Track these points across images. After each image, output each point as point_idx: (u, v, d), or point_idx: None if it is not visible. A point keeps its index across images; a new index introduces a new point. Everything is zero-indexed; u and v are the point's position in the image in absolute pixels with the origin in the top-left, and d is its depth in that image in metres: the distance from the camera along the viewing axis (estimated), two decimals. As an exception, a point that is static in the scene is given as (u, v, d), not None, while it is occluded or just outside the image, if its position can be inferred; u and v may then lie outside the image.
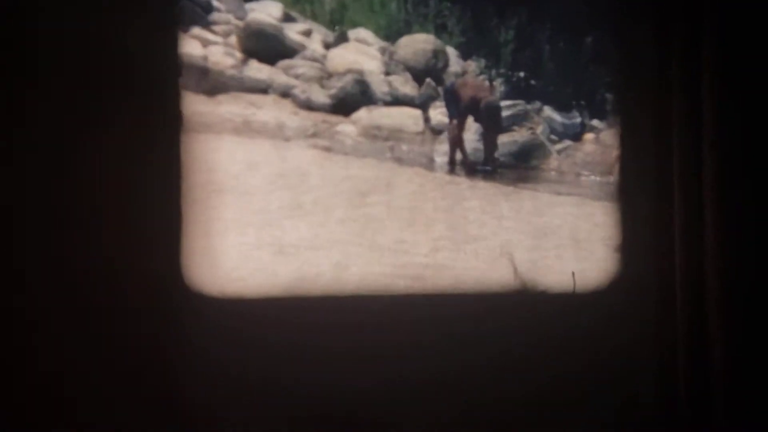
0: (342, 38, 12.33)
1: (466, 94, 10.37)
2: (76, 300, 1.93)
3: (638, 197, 2.12)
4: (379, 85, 11.11)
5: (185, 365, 1.98)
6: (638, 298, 2.12)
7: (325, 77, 11.12)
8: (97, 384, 1.94)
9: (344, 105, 10.70)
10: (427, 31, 12.91)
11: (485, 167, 10.18)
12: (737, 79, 1.99)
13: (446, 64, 11.92)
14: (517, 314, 2.16)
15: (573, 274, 5.91)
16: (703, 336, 2.04)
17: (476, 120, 10.37)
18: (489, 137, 10.32)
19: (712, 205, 1.99)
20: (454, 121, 10.29)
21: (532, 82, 12.13)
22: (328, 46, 12.10)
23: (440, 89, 11.28)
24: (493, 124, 10.33)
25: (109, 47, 1.88)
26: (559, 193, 9.68)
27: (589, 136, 10.85)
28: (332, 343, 2.06)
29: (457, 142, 10.26)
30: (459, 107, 10.32)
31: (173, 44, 1.95)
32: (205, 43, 10.53)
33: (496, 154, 10.36)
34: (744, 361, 2.01)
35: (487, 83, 11.36)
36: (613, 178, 9.91)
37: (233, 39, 11.31)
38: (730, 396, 2.00)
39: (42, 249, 1.91)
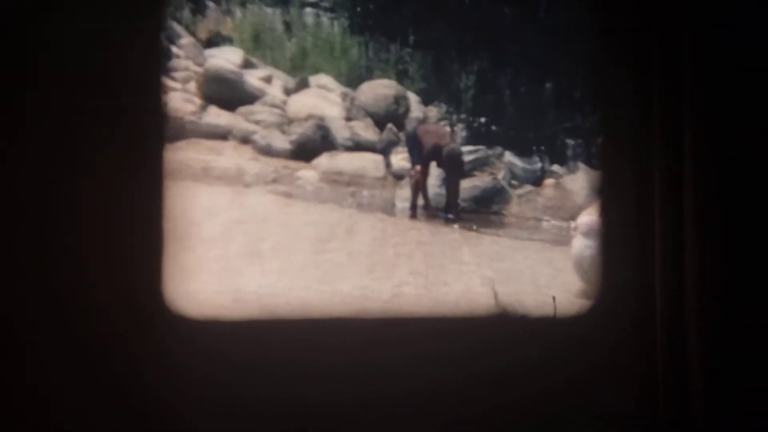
0: (303, 84, 12.36)
1: (428, 140, 10.38)
2: (60, 323, 1.91)
3: (619, 227, 2.12)
4: (340, 131, 11.11)
5: (166, 384, 1.96)
6: (617, 324, 2.11)
7: (285, 123, 11.10)
8: (79, 405, 1.91)
9: (305, 151, 10.67)
10: (388, 76, 12.97)
11: (447, 215, 10.18)
12: (717, 118, 2.01)
13: (407, 110, 11.95)
14: (497, 338, 2.14)
15: (554, 299, 5.91)
16: (681, 362, 2.02)
17: (439, 166, 10.38)
18: (451, 183, 10.33)
19: (692, 234, 1.99)
20: (417, 167, 10.28)
21: (493, 127, 12.19)
22: (288, 91, 12.09)
23: (402, 134, 11.30)
24: (455, 171, 10.34)
25: (93, 83, 1.88)
26: (520, 238, 9.67)
27: (549, 181, 10.90)
28: (309, 362, 2.03)
29: (419, 188, 10.25)
30: (421, 153, 10.32)
31: (157, 89, 1.95)
32: (164, 89, 10.47)
33: (457, 199, 10.37)
34: (722, 385, 2.00)
35: (448, 129, 11.40)
36: (573, 223, 9.95)
37: (192, 85, 11.29)
38: (709, 420, 1.98)
39: (26, 275, 1.89)
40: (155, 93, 1.92)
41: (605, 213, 2.20)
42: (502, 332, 2.23)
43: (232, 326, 2.10)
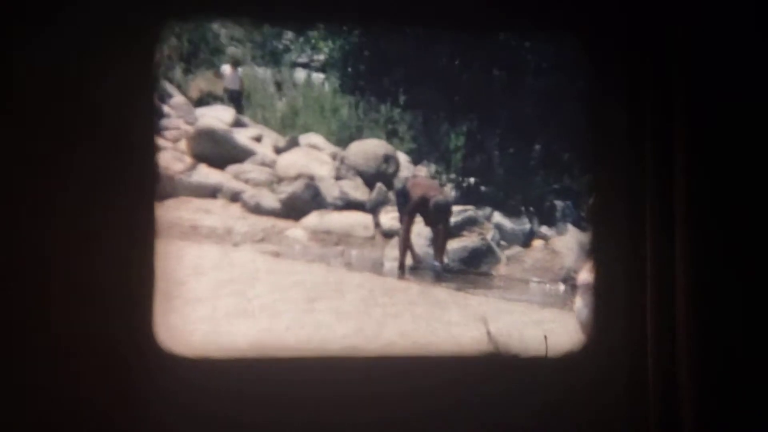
0: (293, 143, 12.41)
1: (416, 192, 10.37)
2: (50, 360, 1.90)
3: (611, 268, 2.13)
4: (329, 190, 11.14)
5: (155, 422, 1.95)
6: (610, 363, 2.10)
7: (275, 182, 11.12)
8: None
9: (294, 209, 10.68)
10: (378, 136, 13.05)
11: (434, 265, 10.14)
12: (710, 184, 2.03)
13: (397, 169, 12.00)
14: (489, 377, 2.13)
15: (545, 338, 5.87)
16: (674, 402, 2.02)
17: (425, 220, 10.35)
18: (438, 233, 10.31)
19: (684, 274, 2.00)
20: (405, 219, 10.28)
21: (483, 187, 12.25)
22: (278, 150, 12.16)
23: (391, 194, 11.33)
24: (441, 220, 10.31)
25: (84, 141, 1.91)
26: (508, 299, 9.65)
27: (538, 242, 10.92)
28: (301, 399, 2.01)
29: (407, 246, 10.23)
30: (409, 206, 10.32)
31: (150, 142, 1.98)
32: (157, 149, 10.52)
33: (446, 259, 10.35)
34: (716, 425, 1.99)
35: (437, 182, 11.43)
36: (562, 287, 9.94)
37: (183, 144, 11.33)
38: None
39: (16, 312, 1.89)
40: (148, 152, 1.93)
41: (597, 269, 2.22)
42: (493, 370, 2.23)
43: (222, 364, 2.09)
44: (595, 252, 2.13)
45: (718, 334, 1.98)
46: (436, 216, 10.26)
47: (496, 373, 2.13)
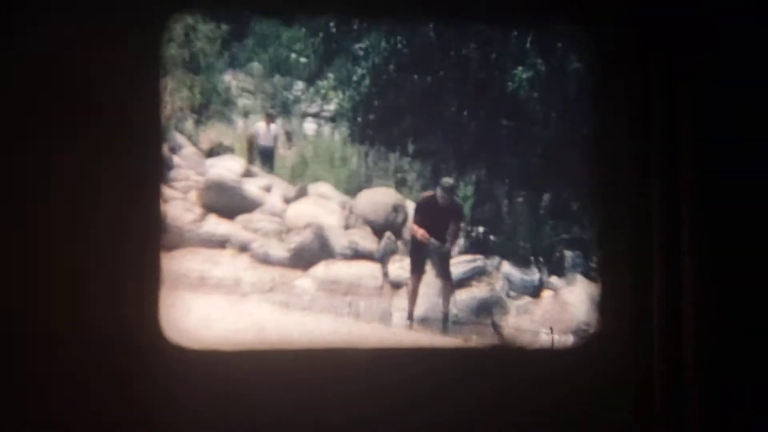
0: (302, 192, 12.45)
1: (439, 210, 10.14)
2: (58, 356, 1.94)
3: (617, 262, 2.15)
4: (338, 239, 11.14)
5: (163, 414, 1.98)
6: (616, 356, 2.11)
7: (284, 231, 11.14)
8: None
9: (303, 259, 10.68)
10: (387, 185, 13.10)
11: (443, 310, 10.08)
12: (714, 157, 2.06)
13: (406, 219, 12.01)
14: (497, 369, 2.14)
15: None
16: (680, 394, 2.02)
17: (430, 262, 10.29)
18: (446, 290, 10.27)
19: (691, 267, 2.02)
20: (414, 275, 10.25)
21: (492, 237, 12.24)
22: (288, 200, 12.21)
23: (399, 243, 11.32)
24: (444, 275, 10.26)
25: (91, 194, 1.96)
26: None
27: (547, 292, 10.87)
28: (307, 391, 2.02)
29: (416, 296, 10.20)
30: (428, 217, 10.12)
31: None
32: (165, 199, 10.59)
33: (453, 309, 10.30)
34: (721, 423, 1.99)
35: (458, 202, 11.10)
36: (572, 339, 9.87)
37: (193, 194, 11.39)
38: None
39: (23, 307, 1.93)
40: (154, 147, 1.98)
41: (604, 263, 2.24)
42: (500, 362, 2.24)
43: (228, 356, 2.11)
44: (601, 245, 2.13)
45: (724, 327, 1.97)
46: (440, 265, 10.22)
47: (503, 365, 2.12)
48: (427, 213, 10.02)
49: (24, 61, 1.88)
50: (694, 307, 2.04)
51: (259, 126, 13.12)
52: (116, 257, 1.93)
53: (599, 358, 2.13)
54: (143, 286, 1.91)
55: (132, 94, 1.95)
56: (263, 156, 12.93)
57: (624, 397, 2.10)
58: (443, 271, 10.24)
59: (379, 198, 12.04)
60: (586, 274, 11.00)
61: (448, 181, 10.48)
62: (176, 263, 9.51)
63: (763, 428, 2.04)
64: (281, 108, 13.78)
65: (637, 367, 2.10)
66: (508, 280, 11.00)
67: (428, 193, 10.52)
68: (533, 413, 2.10)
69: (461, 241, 11.75)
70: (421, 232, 9.94)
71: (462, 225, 10.58)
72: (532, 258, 11.41)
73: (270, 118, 13.15)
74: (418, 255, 10.14)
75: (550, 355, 2.36)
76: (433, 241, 9.97)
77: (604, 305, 2.16)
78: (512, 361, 2.21)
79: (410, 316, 10.12)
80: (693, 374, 2.04)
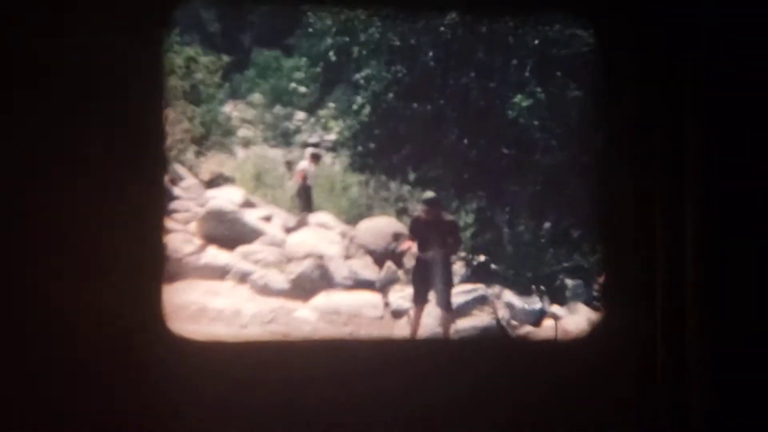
0: (303, 222, 12.47)
1: (429, 225, 10.11)
2: (62, 344, 1.96)
3: (621, 254, 2.16)
4: (338, 269, 11.13)
5: (165, 405, 1.98)
6: (620, 348, 2.11)
7: (284, 262, 11.13)
8: (79, 424, 1.93)
9: (303, 289, 10.66)
10: (388, 214, 13.10)
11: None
12: (718, 157, 2.07)
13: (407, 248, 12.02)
14: (500, 360, 2.14)
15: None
16: (683, 385, 2.02)
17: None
18: (446, 319, 10.24)
19: (694, 259, 2.02)
20: (417, 307, 10.23)
21: (493, 265, 12.21)
22: (288, 230, 12.23)
23: (400, 272, 11.30)
24: (444, 305, 10.24)
25: (93, 227, 1.99)
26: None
27: (548, 321, 10.83)
28: (309, 382, 2.02)
29: (417, 327, 10.18)
30: (421, 234, 10.07)
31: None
32: (165, 232, 10.59)
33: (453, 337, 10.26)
34: (724, 414, 1.99)
35: (453, 221, 11.04)
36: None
37: (193, 225, 11.40)
38: None
39: (27, 300, 1.95)
40: (157, 144, 2.00)
41: (607, 255, 2.25)
42: (504, 353, 2.24)
43: (231, 347, 2.12)
44: (605, 239, 2.13)
45: (728, 319, 1.97)
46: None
47: (507, 356, 2.12)
48: (416, 231, 10.01)
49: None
50: (696, 304, 2.04)
51: (307, 166, 12.64)
52: (119, 251, 1.95)
53: (603, 351, 2.14)
54: (146, 276, 1.93)
55: (135, 85, 1.97)
56: (303, 196, 12.48)
57: (627, 391, 2.11)
58: (444, 301, 10.22)
59: (379, 227, 12.04)
60: (588, 303, 10.97)
61: (428, 194, 10.44)
62: (176, 295, 9.50)
63: (765, 422, 2.04)
64: (282, 138, 13.83)
65: (640, 361, 2.10)
66: (509, 308, 10.97)
67: (416, 214, 10.55)
68: (537, 403, 2.11)
69: (462, 270, 11.74)
70: (405, 245, 9.94)
71: (459, 236, 10.52)
72: (533, 286, 11.39)
73: (315, 159, 12.70)
74: (421, 284, 10.12)
75: (553, 347, 2.37)
76: (415, 250, 9.93)
77: (607, 300, 2.16)
78: (516, 352, 2.22)
79: (411, 346, 10.07)
80: (696, 369, 2.04)
